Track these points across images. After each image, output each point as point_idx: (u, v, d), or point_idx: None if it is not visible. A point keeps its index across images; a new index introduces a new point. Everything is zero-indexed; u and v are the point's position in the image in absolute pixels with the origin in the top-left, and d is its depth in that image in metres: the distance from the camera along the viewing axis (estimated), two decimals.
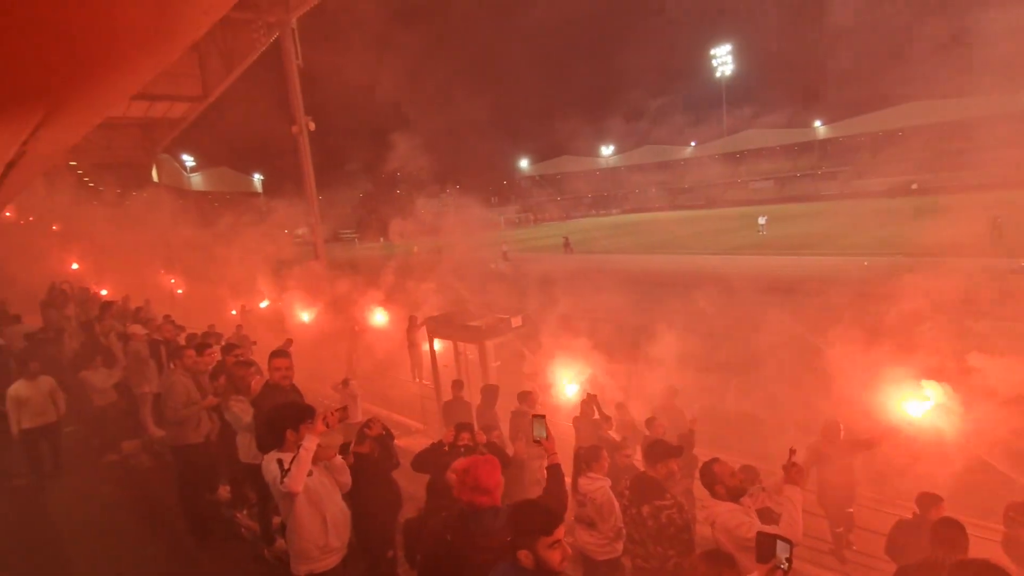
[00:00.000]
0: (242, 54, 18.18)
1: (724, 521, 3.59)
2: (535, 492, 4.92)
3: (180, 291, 18.48)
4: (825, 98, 70.24)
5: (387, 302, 14.51)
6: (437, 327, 11.77)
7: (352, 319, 14.25)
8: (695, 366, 10.72)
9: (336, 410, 3.77)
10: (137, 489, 7.28)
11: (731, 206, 69.59)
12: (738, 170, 78.24)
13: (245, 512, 6.28)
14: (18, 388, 7.43)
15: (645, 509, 4.04)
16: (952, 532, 3.54)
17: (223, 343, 7.80)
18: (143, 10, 1.08)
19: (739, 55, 79.78)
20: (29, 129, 1.70)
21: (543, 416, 3.74)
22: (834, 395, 7.20)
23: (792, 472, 3.67)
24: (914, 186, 58.73)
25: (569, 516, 4.87)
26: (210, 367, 6.43)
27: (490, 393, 7.77)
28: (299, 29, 16.23)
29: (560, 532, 2.50)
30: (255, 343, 10.23)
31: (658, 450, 4.20)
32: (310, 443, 3.55)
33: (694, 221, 54.32)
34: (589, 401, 7.59)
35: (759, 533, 3.02)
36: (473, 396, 9.98)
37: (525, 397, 7.47)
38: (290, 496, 3.51)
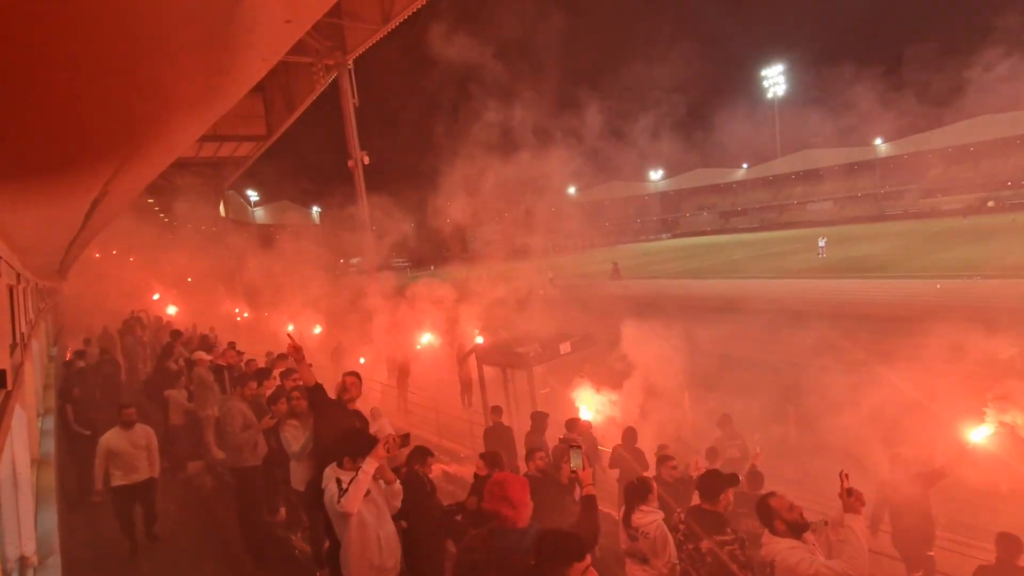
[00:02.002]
0: (303, 95, 19.25)
1: (784, 559, 3.41)
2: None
3: (244, 317, 19.35)
4: (887, 114, 67.58)
5: (437, 329, 14.72)
6: (486, 354, 11.84)
7: (403, 345, 14.51)
8: (751, 394, 10.34)
9: (397, 436, 3.90)
10: (200, 508, 7.57)
11: (787, 228, 67.39)
12: (794, 191, 75.93)
13: (299, 535, 6.41)
14: (111, 438, 6.42)
15: (704, 545, 3.88)
16: None
17: (283, 368, 8.11)
18: (211, 63, 1.18)
19: (792, 72, 78.11)
20: (110, 171, 1.88)
21: (580, 447, 3.72)
22: (904, 428, 6.76)
23: (849, 500, 3.48)
24: (991, 203, 55.37)
25: (619, 549, 4.73)
26: (269, 392, 6.71)
27: (539, 420, 7.71)
28: (355, 70, 17.08)
29: (588, 560, 2.46)
30: (311, 365, 10.52)
31: (713, 482, 4.04)
32: (369, 467, 3.70)
33: (749, 244, 52.87)
34: (628, 434, 7.42)
35: None
36: (523, 422, 9.92)
37: (574, 425, 7.39)
38: (345, 516, 3.61)
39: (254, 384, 6.78)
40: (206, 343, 12.04)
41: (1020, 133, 56.81)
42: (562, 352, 11.14)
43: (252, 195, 67.24)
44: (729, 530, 3.96)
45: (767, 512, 3.64)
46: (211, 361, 9.34)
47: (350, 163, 17.22)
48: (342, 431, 4.09)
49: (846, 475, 3.59)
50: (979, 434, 5.59)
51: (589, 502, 3.55)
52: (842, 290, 24.25)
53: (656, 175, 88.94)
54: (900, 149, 66.82)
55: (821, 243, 37.10)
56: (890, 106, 63.48)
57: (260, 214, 69.32)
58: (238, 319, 19.44)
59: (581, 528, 3.29)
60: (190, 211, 26.54)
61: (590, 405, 9.40)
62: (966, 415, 5.88)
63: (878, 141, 68.23)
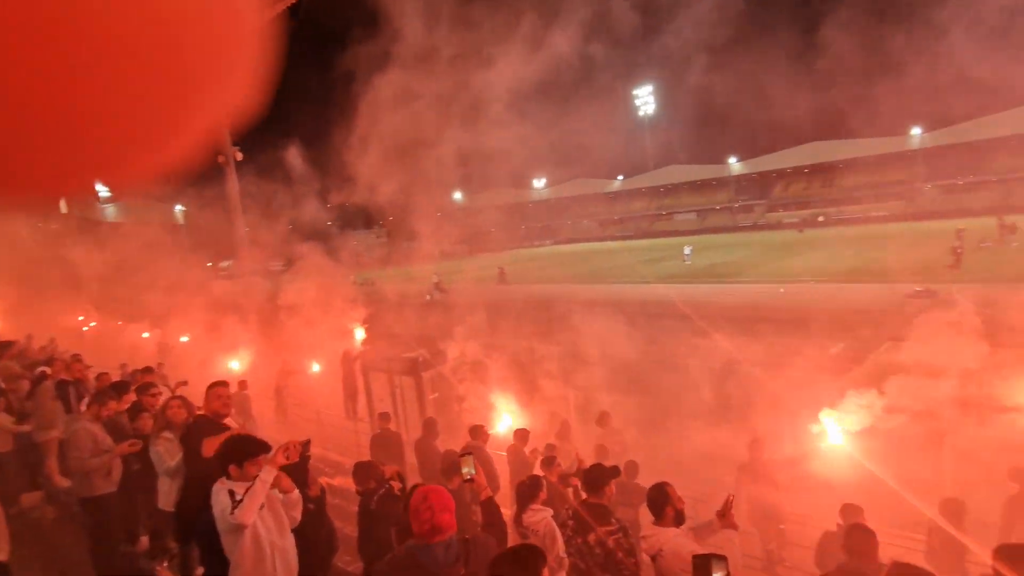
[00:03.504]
0: None
1: (674, 547, 3.62)
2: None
3: (91, 326, 17.16)
4: (739, 135, 75.68)
5: (318, 336, 14.07)
6: (372, 360, 11.55)
7: (281, 354, 13.70)
8: (625, 391, 11.02)
9: (299, 442, 3.66)
10: (40, 546, 6.59)
11: (658, 237, 72.82)
12: (663, 203, 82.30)
13: (166, 564, 5.83)
14: None
15: (592, 537, 4.08)
16: (861, 538, 3.73)
17: (138, 383, 7.29)
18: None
19: (661, 94, 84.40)
20: None
21: (470, 454, 3.81)
22: (757, 417, 7.59)
23: (725, 520, 3.74)
24: (821, 218, 63.70)
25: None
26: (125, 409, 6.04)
27: (431, 426, 7.67)
28: None
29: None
30: (185, 383, 9.58)
31: (598, 475, 4.28)
32: (268, 475, 3.45)
33: (625, 251, 56.36)
34: (520, 435, 7.60)
35: (694, 556, 3.09)
36: (411, 429, 9.81)
37: (477, 432, 7.38)
38: (239, 529, 3.35)
39: (113, 403, 6.03)
40: (43, 355, 10.53)
41: (841, 158, 66.29)
42: (450, 358, 11.17)
43: (102, 190, 59.71)
44: (614, 520, 4.21)
45: (663, 498, 3.83)
46: (52, 376, 8.18)
47: (220, 159, 15.95)
48: (224, 441, 3.77)
49: (731, 501, 3.80)
50: (826, 429, 6.46)
51: (488, 505, 3.64)
52: (704, 293, 26.68)
53: (539, 183, 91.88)
54: (750, 168, 74.94)
55: (687, 251, 40.41)
56: (741, 128, 71.15)
57: (112, 211, 61.75)
58: (84, 329, 17.18)
59: (489, 532, 3.33)
60: (22, 207, 22.89)
61: (507, 410, 9.47)
62: (808, 407, 6.77)
63: (732, 160, 75.95)
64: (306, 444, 3.72)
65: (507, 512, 7.34)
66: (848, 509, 5.20)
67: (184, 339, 15.11)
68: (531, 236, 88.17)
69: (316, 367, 13.61)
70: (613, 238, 79.21)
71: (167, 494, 4.90)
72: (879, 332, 13.97)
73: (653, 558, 3.76)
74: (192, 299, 15.92)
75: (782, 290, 25.34)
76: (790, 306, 19.97)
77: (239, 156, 16.34)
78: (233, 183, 16.26)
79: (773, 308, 19.77)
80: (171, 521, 4.97)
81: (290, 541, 3.68)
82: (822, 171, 69.32)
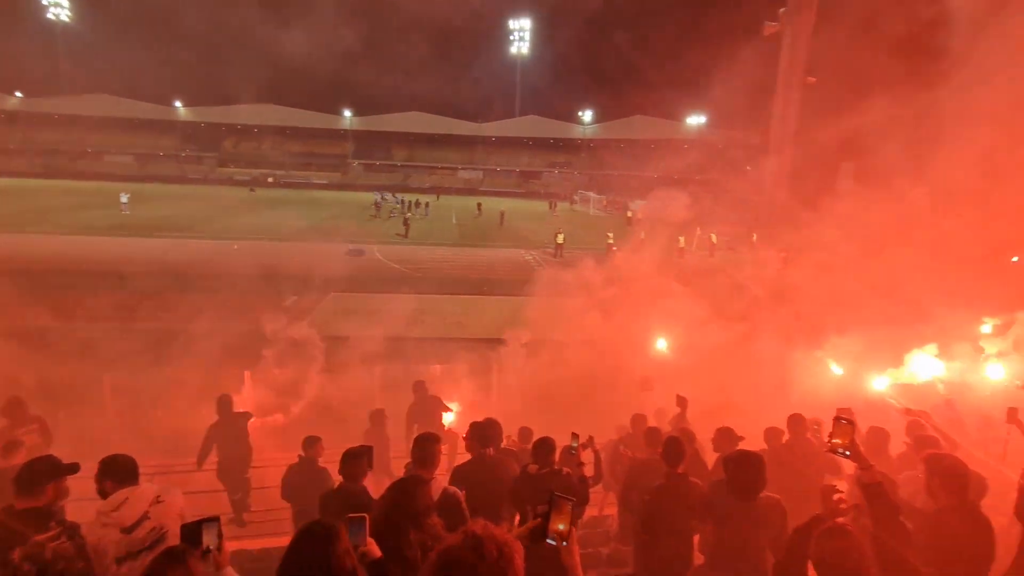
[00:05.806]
0: None
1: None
2: None
3: None
4: (189, 80, 69.78)
5: None
6: None
7: None
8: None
9: None
10: None
11: (83, 179, 59.40)
12: (91, 138, 66.89)
13: None
14: None
15: (17, 554, 3.24)
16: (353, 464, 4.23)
17: None
18: None
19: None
20: None
21: None
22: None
23: None
24: (271, 179, 66.08)
25: None
26: None
27: None
28: None
29: None
30: None
31: (32, 474, 3.42)
32: None
33: (35, 192, 43.94)
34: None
35: (182, 526, 2.88)
36: None
37: None
38: None
39: None
40: None
41: (289, 124, 70.73)
42: None
43: None
44: (53, 524, 3.48)
45: None
46: None
47: None
48: None
49: None
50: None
51: None
52: (151, 248, 23.91)
53: None
54: (199, 116, 70.06)
55: (124, 199, 34.92)
56: (191, 72, 65.69)
57: None
58: None
59: None
60: None
61: None
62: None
63: (178, 104, 69.04)
64: None
65: None
66: (308, 441, 5.92)
67: None
68: None
69: None
70: (10, 174, 59.25)
71: None
72: (326, 284, 16.20)
73: None
74: None
75: (236, 247, 25.33)
76: (247, 262, 20.26)
77: None
78: None
79: (232, 264, 19.57)
80: None
81: None
82: (272, 134, 71.70)
